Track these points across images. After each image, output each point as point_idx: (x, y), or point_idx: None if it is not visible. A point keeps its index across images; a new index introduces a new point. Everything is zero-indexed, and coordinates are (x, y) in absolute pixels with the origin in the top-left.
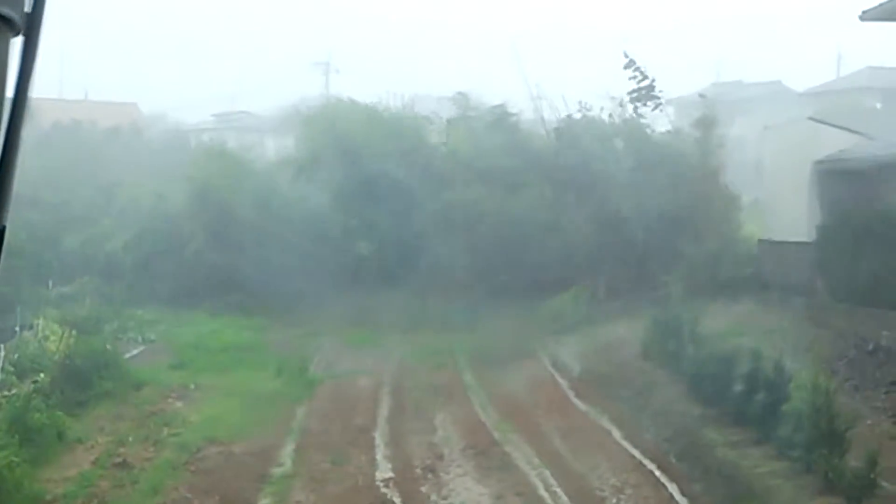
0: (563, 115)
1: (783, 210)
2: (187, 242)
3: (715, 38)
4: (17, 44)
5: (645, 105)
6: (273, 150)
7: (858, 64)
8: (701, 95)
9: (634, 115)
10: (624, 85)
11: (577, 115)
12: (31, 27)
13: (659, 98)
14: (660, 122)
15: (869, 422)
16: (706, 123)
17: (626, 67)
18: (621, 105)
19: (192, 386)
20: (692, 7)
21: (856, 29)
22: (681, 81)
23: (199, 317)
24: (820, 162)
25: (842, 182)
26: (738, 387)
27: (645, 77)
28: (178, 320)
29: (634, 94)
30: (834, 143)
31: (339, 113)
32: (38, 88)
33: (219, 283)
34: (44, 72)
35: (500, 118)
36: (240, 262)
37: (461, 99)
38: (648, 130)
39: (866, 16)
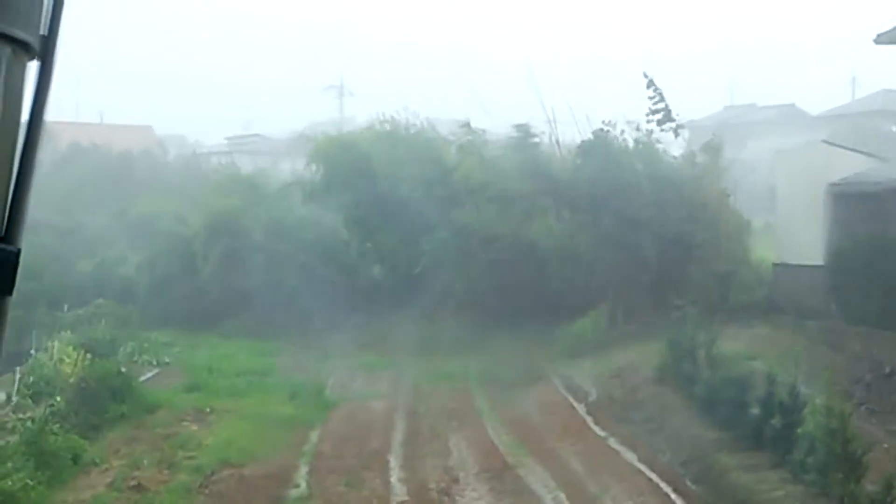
0: (578, 138)
1: (797, 233)
2: (202, 265)
3: (729, 61)
4: (32, 67)
5: (661, 128)
6: (286, 173)
7: (873, 87)
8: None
9: (649, 138)
10: (637, 108)
11: (592, 138)
12: (46, 51)
13: (675, 120)
14: (674, 145)
15: (885, 445)
16: (718, 147)
17: (647, 87)
18: (637, 129)
19: (207, 409)
20: (706, 30)
21: (871, 52)
22: (695, 104)
23: (214, 339)
24: (834, 185)
25: (856, 205)
26: (754, 411)
27: (662, 98)
28: (192, 343)
29: (652, 116)
30: (848, 166)
31: (353, 136)
32: (54, 111)
33: (233, 306)
34: (60, 95)
35: (518, 141)
36: (254, 285)
37: (471, 126)
38: (663, 153)
39: (881, 39)
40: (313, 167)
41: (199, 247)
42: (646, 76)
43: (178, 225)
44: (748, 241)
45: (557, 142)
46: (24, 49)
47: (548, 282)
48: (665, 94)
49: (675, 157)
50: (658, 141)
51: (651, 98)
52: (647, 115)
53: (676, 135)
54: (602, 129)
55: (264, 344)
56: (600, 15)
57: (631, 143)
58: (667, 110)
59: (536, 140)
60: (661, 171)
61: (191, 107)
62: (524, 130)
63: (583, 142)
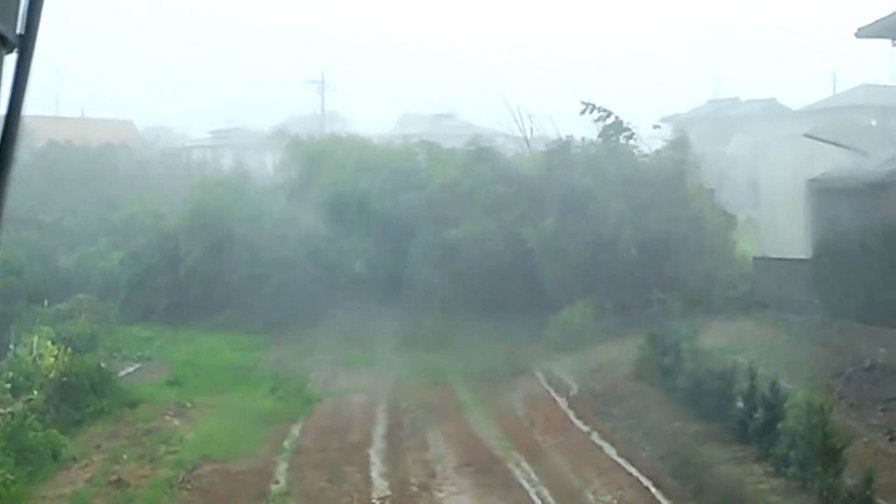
0: (555, 136)
1: (778, 227)
2: (183, 260)
3: (713, 55)
4: (10, 61)
5: (615, 139)
6: (269, 167)
7: (854, 81)
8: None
9: (613, 142)
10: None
11: (556, 145)
12: (24, 44)
13: (629, 130)
14: (654, 142)
15: (865, 439)
16: (685, 143)
17: (583, 113)
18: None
19: (189, 404)
20: (689, 24)
21: (851, 46)
22: (679, 98)
23: (195, 334)
24: (815, 179)
25: (838, 199)
26: (736, 405)
27: (609, 114)
28: (174, 337)
29: (604, 133)
30: (829, 160)
31: (333, 142)
32: (34, 105)
33: (215, 301)
34: (40, 89)
35: (488, 141)
36: (236, 280)
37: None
38: (641, 150)
39: (862, 33)
40: (294, 167)
41: (181, 241)
42: (583, 103)
43: (159, 220)
44: (732, 236)
45: (527, 140)
46: (1, 42)
47: (530, 279)
48: (645, 91)
49: (645, 156)
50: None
51: (597, 120)
52: (600, 133)
53: (629, 140)
54: (563, 139)
55: (247, 338)
56: (586, 9)
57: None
58: (617, 123)
59: (492, 150)
60: (639, 167)
61: (175, 100)
62: (476, 144)
63: (548, 149)
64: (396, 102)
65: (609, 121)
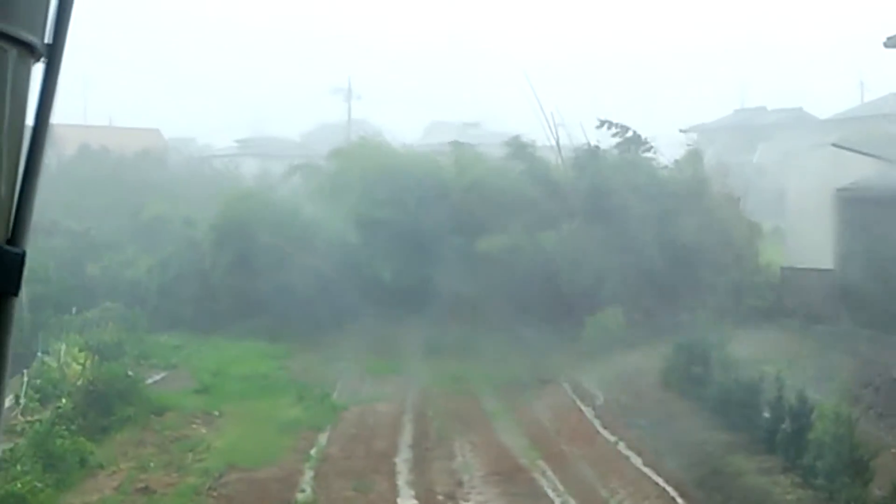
0: (582, 144)
1: (806, 237)
2: (211, 268)
3: (739, 65)
4: (39, 70)
5: (631, 152)
6: (296, 176)
7: (882, 91)
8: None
9: (636, 153)
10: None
11: (583, 153)
12: (52, 53)
13: (647, 143)
14: (680, 150)
15: (893, 450)
16: (699, 155)
17: (599, 128)
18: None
19: (216, 412)
20: (716, 34)
21: (880, 56)
22: (706, 107)
23: (222, 342)
24: (843, 188)
25: (866, 209)
26: (764, 414)
27: (627, 129)
28: (201, 345)
29: (623, 146)
30: (857, 169)
31: (363, 149)
32: (63, 114)
33: (242, 309)
34: (68, 97)
35: (519, 148)
36: (262, 288)
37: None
38: (660, 161)
39: (890, 42)
40: (323, 174)
41: (209, 249)
42: (599, 120)
43: (187, 228)
44: (758, 245)
45: (559, 148)
46: (29, 51)
47: (558, 287)
48: (673, 100)
49: (665, 167)
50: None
51: (615, 135)
52: (616, 146)
53: (647, 152)
54: (590, 146)
55: (273, 346)
56: (616, 20)
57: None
58: (635, 137)
59: (532, 148)
60: (656, 180)
61: (200, 109)
62: (516, 143)
63: (582, 147)
64: (423, 111)
65: (627, 135)
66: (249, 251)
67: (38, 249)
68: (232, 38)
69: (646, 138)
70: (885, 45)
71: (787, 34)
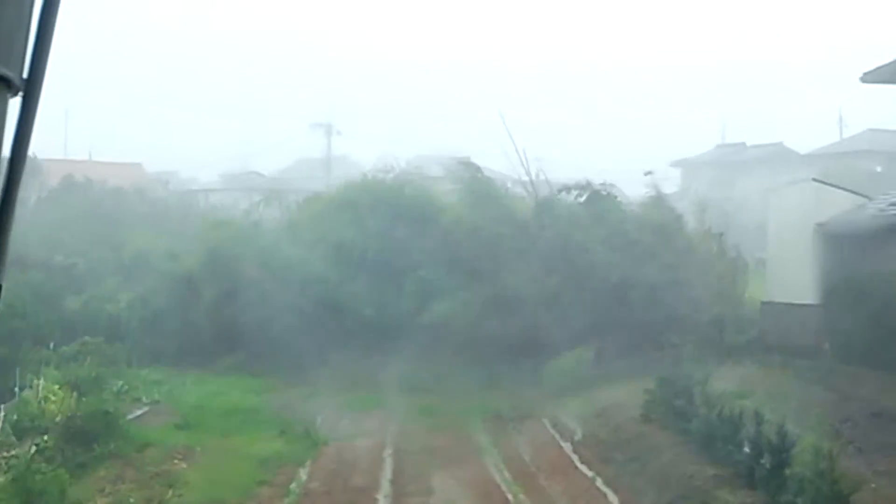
0: (561, 179)
1: (786, 271)
2: (192, 303)
3: (721, 99)
4: (15, 104)
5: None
6: (278, 211)
7: (860, 125)
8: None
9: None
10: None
11: (571, 184)
12: (30, 86)
13: (613, 196)
14: (665, 184)
15: (873, 486)
16: (704, 186)
17: (559, 193)
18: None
19: (197, 447)
20: (697, 69)
21: (857, 91)
22: (688, 142)
23: (204, 377)
24: (823, 223)
25: (846, 243)
26: (744, 450)
27: (589, 185)
28: (182, 380)
29: (589, 201)
30: (836, 204)
31: (345, 187)
32: (43, 147)
33: (223, 344)
34: (48, 131)
35: (497, 187)
36: (245, 323)
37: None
38: (650, 195)
39: (867, 78)
40: (306, 211)
41: (191, 285)
42: (560, 189)
43: (169, 262)
44: (739, 280)
45: (533, 185)
46: (6, 85)
47: (536, 324)
48: (654, 135)
49: (666, 195)
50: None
51: (576, 196)
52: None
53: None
54: (561, 189)
55: (255, 381)
56: (595, 53)
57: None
58: (595, 193)
59: (508, 188)
60: (625, 221)
61: (183, 143)
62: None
63: (548, 196)
64: (409, 144)
65: (588, 193)
66: (231, 285)
67: (15, 283)
68: (215, 74)
69: (608, 186)
70: (862, 80)
71: (767, 69)
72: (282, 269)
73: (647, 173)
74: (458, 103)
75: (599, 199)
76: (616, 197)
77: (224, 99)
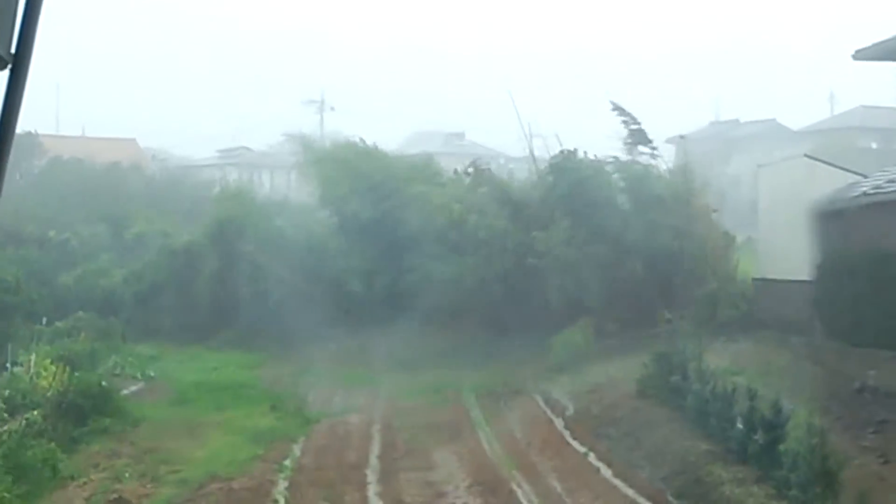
0: (558, 152)
1: (778, 248)
2: (188, 279)
3: (715, 75)
4: (3, 78)
5: (637, 149)
6: (266, 186)
7: (851, 102)
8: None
9: (630, 157)
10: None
11: (559, 158)
12: (18, 61)
13: (651, 141)
14: (661, 160)
15: (857, 461)
16: (689, 167)
17: (613, 110)
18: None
19: (191, 422)
20: (691, 46)
21: (849, 68)
22: (682, 120)
23: (199, 352)
24: (816, 200)
25: (838, 220)
26: (738, 425)
27: (636, 122)
28: (177, 356)
29: (629, 140)
30: (829, 181)
31: (341, 152)
32: (34, 122)
33: (219, 319)
34: (40, 105)
35: (487, 162)
36: (240, 299)
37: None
38: (645, 170)
39: (859, 55)
40: (303, 183)
41: (186, 260)
42: (612, 104)
43: (164, 238)
44: (733, 256)
45: (534, 157)
46: None
47: (532, 298)
48: (649, 112)
49: (661, 172)
50: (637, 161)
51: (624, 122)
52: (624, 138)
53: (654, 157)
54: (567, 151)
55: (250, 357)
56: (594, 33)
57: (611, 160)
58: (640, 132)
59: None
60: (643, 187)
61: (178, 119)
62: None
63: (551, 162)
64: (406, 121)
65: (633, 127)
66: (228, 261)
67: (8, 259)
68: (211, 48)
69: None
70: (854, 57)
71: (759, 46)
72: (276, 243)
73: (669, 141)
74: (455, 83)
75: (640, 141)
76: (655, 148)
77: (218, 76)
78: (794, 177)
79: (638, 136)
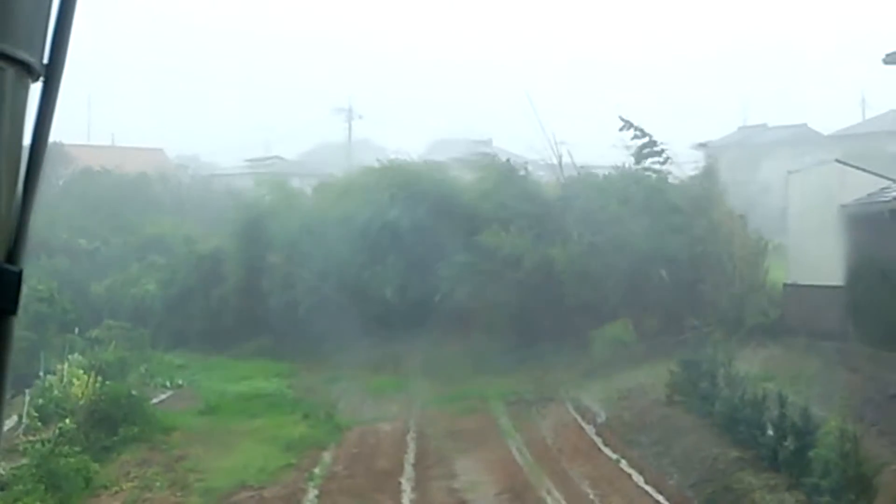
0: (582, 162)
1: (809, 253)
2: (216, 287)
3: (742, 80)
4: (36, 90)
5: (646, 162)
6: (298, 195)
7: (882, 107)
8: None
9: (642, 168)
10: (649, 130)
11: (589, 170)
12: (50, 72)
13: (661, 152)
14: (686, 167)
15: (893, 467)
16: (715, 172)
17: (622, 129)
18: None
19: (221, 431)
20: (719, 51)
21: (880, 71)
22: (711, 125)
23: (227, 361)
24: (847, 205)
25: (871, 225)
26: (768, 432)
27: (645, 135)
28: (206, 365)
29: (638, 154)
30: (860, 186)
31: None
32: (65, 134)
33: (247, 328)
34: (70, 117)
35: (521, 168)
36: (268, 307)
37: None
38: (673, 178)
39: (889, 59)
40: (333, 196)
41: (214, 269)
42: (622, 119)
43: (192, 247)
44: (762, 262)
45: (560, 166)
46: (26, 70)
47: (559, 305)
48: (677, 119)
49: (689, 178)
50: (650, 171)
51: (634, 138)
52: (634, 153)
53: (664, 164)
54: (582, 168)
55: (278, 365)
56: (620, 41)
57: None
58: (651, 143)
59: (529, 168)
60: (671, 193)
61: (205, 128)
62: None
63: (568, 178)
64: (429, 128)
65: (643, 140)
66: (255, 269)
67: (41, 269)
68: (239, 58)
69: (661, 143)
70: (885, 61)
71: (788, 50)
72: (306, 252)
73: (695, 147)
74: (480, 91)
75: (650, 153)
76: (667, 157)
77: (247, 85)
78: (824, 182)
79: (649, 150)
